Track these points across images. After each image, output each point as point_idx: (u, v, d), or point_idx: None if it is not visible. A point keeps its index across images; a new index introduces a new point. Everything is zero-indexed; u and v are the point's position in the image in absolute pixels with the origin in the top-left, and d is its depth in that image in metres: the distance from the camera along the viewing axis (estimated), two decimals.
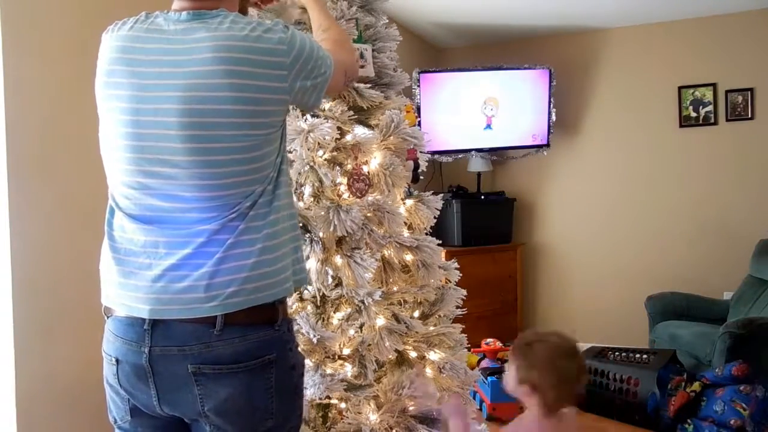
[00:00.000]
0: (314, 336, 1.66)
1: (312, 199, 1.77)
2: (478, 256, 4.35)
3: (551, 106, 4.52)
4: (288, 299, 1.27)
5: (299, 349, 1.29)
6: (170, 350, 1.12)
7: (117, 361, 1.18)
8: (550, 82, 4.50)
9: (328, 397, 1.72)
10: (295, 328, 1.70)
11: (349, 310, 1.76)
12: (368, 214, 1.77)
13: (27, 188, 1.97)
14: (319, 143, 1.71)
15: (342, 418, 1.73)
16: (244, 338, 1.13)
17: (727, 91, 4.36)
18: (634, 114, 4.62)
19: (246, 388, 1.14)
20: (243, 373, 1.13)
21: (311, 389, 1.64)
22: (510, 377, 1.70)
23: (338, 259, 1.74)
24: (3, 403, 1.96)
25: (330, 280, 1.72)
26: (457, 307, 2.05)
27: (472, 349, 2.59)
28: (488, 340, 3.80)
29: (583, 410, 3.49)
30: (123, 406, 1.21)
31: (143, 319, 1.14)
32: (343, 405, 1.75)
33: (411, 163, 1.96)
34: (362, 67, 1.88)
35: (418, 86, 4.26)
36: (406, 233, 1.92)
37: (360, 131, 1.80)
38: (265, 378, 1.15)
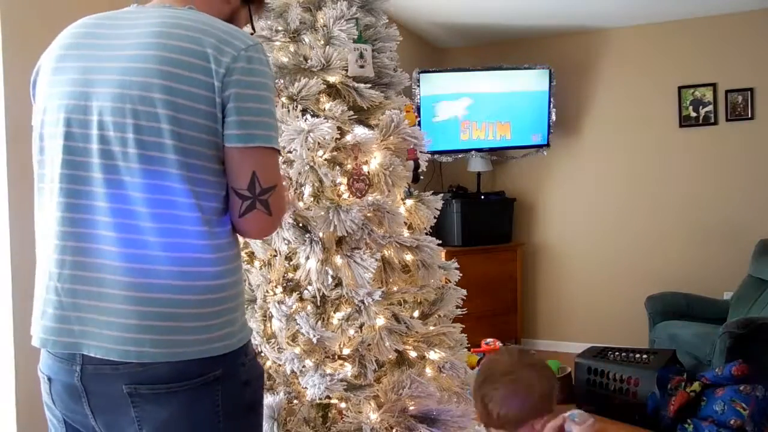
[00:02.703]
0: (314, 336, 1.66)
1: (312, 199, 1.77)
2: (478, 256, 4.35)
3: (551, 106, 4.52)
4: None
5: (258, 359, 1.19)
6: (103, 368, 1.02)
7: (49, 379, 1.09)
8: (550, 82, 4.50)
9: (328, 397, 1.72)
10: (295, 328, 1.70)
11: (349, 310, 1.76)
12: (368, 214, 1.77)
13: (27, 189, 1.97)
14: (319, 143, 1.71)
15: (342, 418, 1.73)
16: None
17: (727, 91, 4.37)
18: (634, 114, 4.62)
19: (187, 410, 1.03)
20: (183, 393, 1.02)
21: (311, 389, 1.64)
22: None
23: (338, 259, 1.74)
24: (3, 403, 1.96)
25: (330, 280, 1.72)
26: (457, 307, 2.05)
27: (472, 349, 2.60)
28: (488, 340, 3.81)
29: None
30: (60, 427, 1.12)
31: None
32: (343, 405, 1.75)
33: (411, 163, 1.96)
34: (362, 67, 1.88)
35: (418, 86, 4.27)
36: (406, 233, 1.92)
37: (360, 131, 1.80)
38: (210, 397, 1.05)
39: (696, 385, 3.10)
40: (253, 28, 1.33)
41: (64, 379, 1.05)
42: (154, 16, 1.07)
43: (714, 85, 4.40)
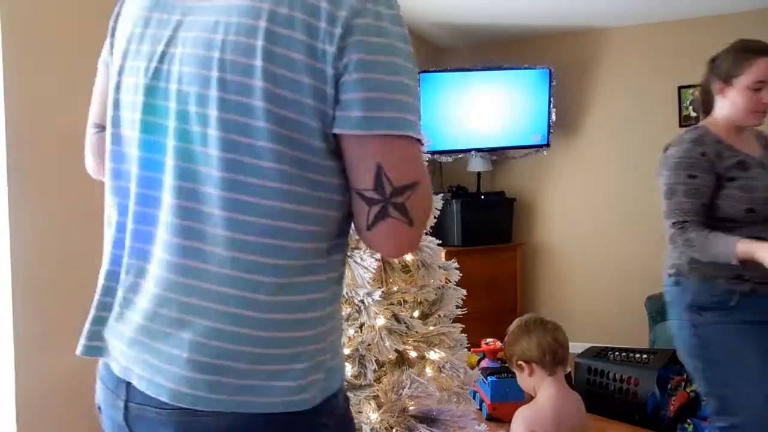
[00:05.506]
0: None
1: None
2: (478, 256, 4.35)
3: (551, 106, 4.52)
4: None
5: (350, 413, 0.90)
6: (146, 410, 0.79)
7: (100, 409, 0.90)
8: (550, 82, 4.50)
9: None
10: None
11: (349, 310, 1.76)
12: None
13: (27, 188, 1.97)
14: None
15: None
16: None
17: None
18: (634, 114, 4.62)
19: None
20: None
21: None
22: (518, 378, 1.91)
23: None
24: (3, 403, 1.96)
25: None
26: (457, 307, 2.05)
27: (472, 349, 2.61)
28: (488, 340, 3.80)
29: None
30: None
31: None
32: None
33: None
34: None
35: (419, 86, 4.27)
36: None
37: None
38: None
39: (696, 385, 3.10)
40: None
41: (111, 413, 0.89)
42: None
43: None
